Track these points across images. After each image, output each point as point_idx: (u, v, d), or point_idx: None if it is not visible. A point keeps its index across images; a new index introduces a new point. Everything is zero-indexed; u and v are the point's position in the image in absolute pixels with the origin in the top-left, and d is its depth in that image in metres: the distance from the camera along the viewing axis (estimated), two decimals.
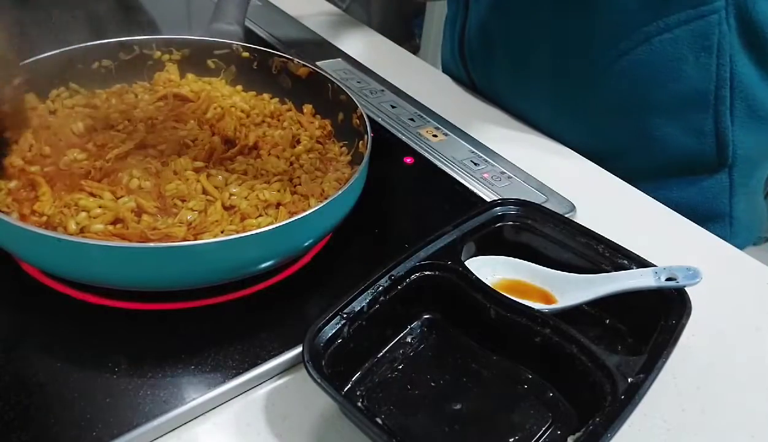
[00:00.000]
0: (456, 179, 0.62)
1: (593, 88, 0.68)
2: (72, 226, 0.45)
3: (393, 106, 0.72)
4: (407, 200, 0.61)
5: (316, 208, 0.44)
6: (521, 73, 0.73)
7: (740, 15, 0.61)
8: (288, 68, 0.63)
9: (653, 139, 0.67)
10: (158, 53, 0.63)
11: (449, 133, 0.69)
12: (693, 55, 0.63)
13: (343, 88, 0.59)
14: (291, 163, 0.56)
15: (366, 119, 0.54)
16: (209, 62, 0.64)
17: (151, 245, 0.42)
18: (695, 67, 0.63)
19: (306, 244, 0.47)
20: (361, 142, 0.56)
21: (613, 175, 0.67)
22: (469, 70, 0.79)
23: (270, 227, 0.42)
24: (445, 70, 0.86)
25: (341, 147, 0.59)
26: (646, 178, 0.67)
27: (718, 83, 0.63)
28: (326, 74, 0.61)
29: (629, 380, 0.38)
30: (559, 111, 0.72)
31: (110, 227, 0.45)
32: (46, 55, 0.56)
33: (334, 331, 0.40)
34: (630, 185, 0.66)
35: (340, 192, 0.46)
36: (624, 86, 0.66)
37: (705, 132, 0.66)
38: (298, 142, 0.58)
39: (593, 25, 0.65)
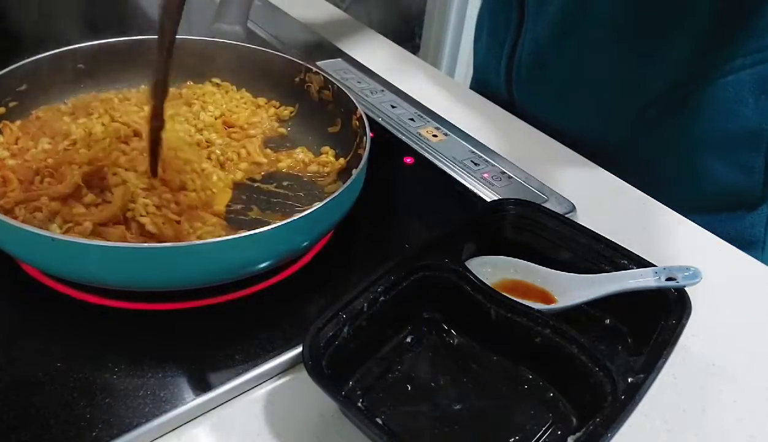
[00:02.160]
0: (456, 179, 0.62)
1: (645, 122, 0.68)
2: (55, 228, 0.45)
3: (393, 106, 0.72)
4: (407, 200, 0.61)
5: (313, 208, 0.44)
6: (572, 98, 0.72)
7: None
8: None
9: (700, 174, 0.68)
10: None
11: (449, 133, 0.69)
12: (753, 97, 0.63)
13: (343, 88, 0.59)
14: None
15: (365, 121, 0.54)
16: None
17: (148, 245, 0.42)
18: (754, 109, 0.64)
19: (304, 244, 0.47)
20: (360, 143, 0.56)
21: (613, 176, 0.67)
22: (513, 90, 0.77)
23: (268, 228, 0.42)
24: (477, 88, 0.84)
25: None
26: (689, 212, 0.66)
27: None
28: (326, 74, 0.61)
29: (629, 380, 0.38)
30: (607, 139, 0.71)
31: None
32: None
33: (334, 331, 0.40)
34: (630, 185, 0.66)
35: (336, 193, 0.45)
36: (677, 122, 0.66)
37: (754, 169, 0.66)
38: None
39: (657, 62, 0.65)
